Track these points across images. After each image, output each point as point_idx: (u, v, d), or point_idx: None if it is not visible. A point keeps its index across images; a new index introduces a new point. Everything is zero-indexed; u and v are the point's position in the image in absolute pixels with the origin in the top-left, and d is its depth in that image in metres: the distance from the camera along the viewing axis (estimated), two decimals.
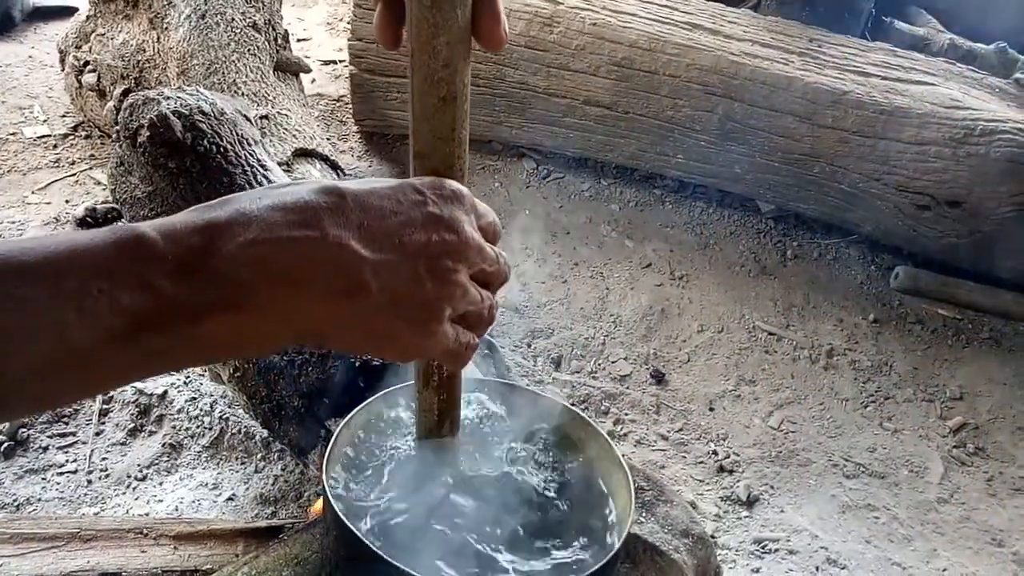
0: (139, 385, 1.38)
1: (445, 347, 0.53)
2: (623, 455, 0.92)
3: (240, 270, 0.43)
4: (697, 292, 1.96)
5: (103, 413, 1.35)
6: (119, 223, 0.44)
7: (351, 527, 0.76)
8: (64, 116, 2.11)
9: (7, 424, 1.28)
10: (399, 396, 0.98)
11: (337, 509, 0.78)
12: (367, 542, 0.75)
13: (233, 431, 1.33)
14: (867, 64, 2.05)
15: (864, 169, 1.95)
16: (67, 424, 1.33)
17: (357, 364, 1.08)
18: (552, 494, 0.91)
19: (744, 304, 1.95)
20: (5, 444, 1.26)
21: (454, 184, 0.53)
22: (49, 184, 1.90)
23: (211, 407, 1.36)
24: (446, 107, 0.62)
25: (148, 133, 1.11)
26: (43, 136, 2.03)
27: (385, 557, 0.74)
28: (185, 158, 1.11)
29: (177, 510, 1.20)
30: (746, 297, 1.98)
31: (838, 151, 1.94)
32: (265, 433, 1.32)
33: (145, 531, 1.10)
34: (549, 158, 2.24)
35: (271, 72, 1.76)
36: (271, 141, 1.58)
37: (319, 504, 0.76)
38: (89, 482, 1.24)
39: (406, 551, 0.80)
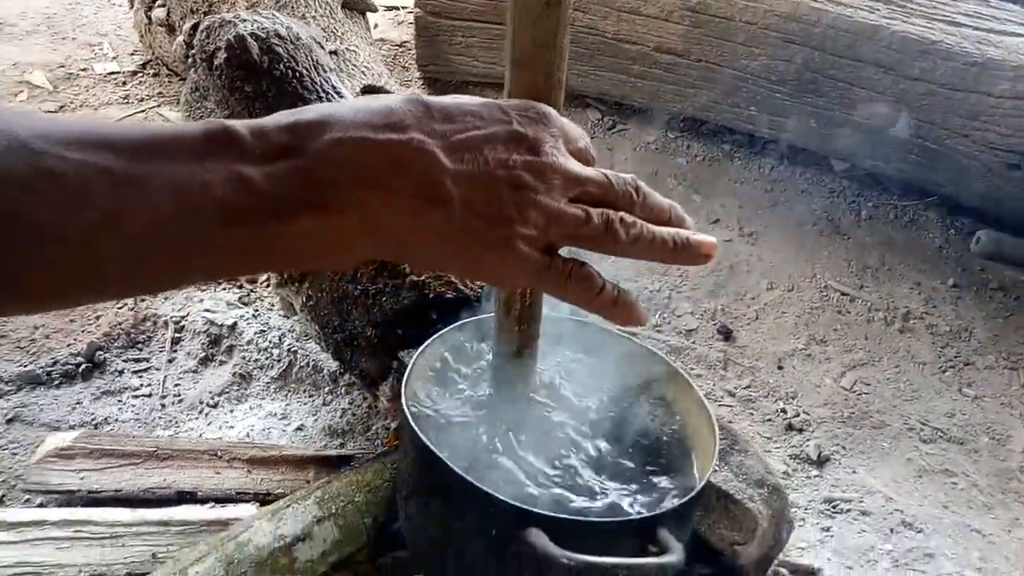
0: (209, 315, 1.39)
1: (529, 272, 0.50)
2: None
3: (326, 168, 0.42)
4: (767, 250, 1.90)
5: (175, 341, 1.37)
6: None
7: (432, 448, 0.75)
8: (133, 54, 2.12)
9: (84, 346, 1.31)
10: (476, 327, 0.97)
11: (416, 430, 0.77)
12: (448, 463, 0.74)
13: (301, 364, 1.33)
14: (957, 13, 1.93)
15: (952, 125, 1.85)
16: (141, 350, 1.35)
17: (431, 296, 1.07)
18: (631, 429, 0.89)
19: (816, 263, 1.89)
20: (83, 366, 1.29)
21: (541, 106, 0.51)
22: (119, 120, 1.92)
23: (280, 340, 1.36)
24: (550, 11, 0.59)
25: (225, 55, 1.10)
26: (112, 73, 2.05)
27: (466, 477, 0.72)
28: (261, 81, 1.10)
29: (248, 437, 1.21)
30: (818, 256, 1.91)
31: (924, 105, 1.84)
32: (333, 367, 1.32)
33: (219, 453, 1.11)
34: (615, 108, 2.19)
35: (339, 8, 1.74)
36: (339, 77, 1.57)
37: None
38: (163, 406, 1.26)
39: (484, 475, 0.78)
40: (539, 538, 0.67)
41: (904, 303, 1.80)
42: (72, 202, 0.36)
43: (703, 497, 0.82)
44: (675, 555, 0.66)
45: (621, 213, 0.51)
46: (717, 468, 1.06)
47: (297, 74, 1.12)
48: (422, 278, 1.07)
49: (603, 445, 0.86)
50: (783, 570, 1.20)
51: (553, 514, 0.71)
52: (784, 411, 1.51)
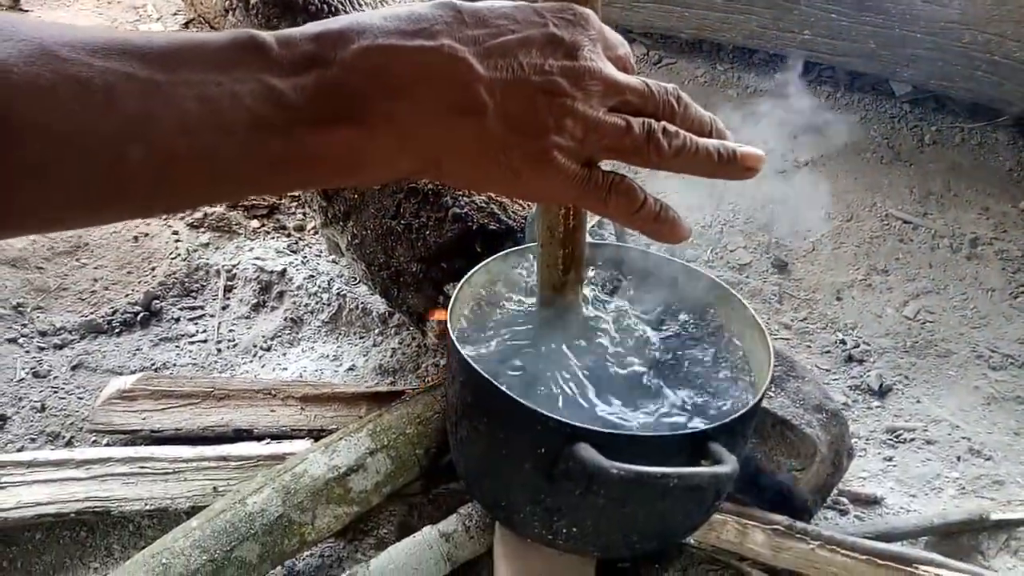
0: (259, 263, 1.41)
1: (569, 185, 0.47)
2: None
3: (355, 78, 0.40)
4: (823, 179, 1.82)
5: (227, 289, 1.39)
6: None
7: (478, 368, 0.74)
8: (176, 14, 2.14)
9: (141, 295, 1.34)
10: (521, 256, 0.96)
11: (462, 352, 0.77)
12: (494, 382, 0.73)
13: (351, 307, 1.34)
14: None
15: None
16: (195, 298, 1.38)
17: (474, 228, 1.06)
18: (683, 350, 0.87)
19: (876, 192, 1.81)
20: (141, 315, 1.32)
21: (579, 8, 0.48)
22: None
23: (328, 285, 1.37)
24: None
25: None
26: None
27: (513, 396, 0.72)
28: (297, 17, 1.09)
29: (301, 377, 1.23)
30: (878, 185, 1.83)
31: (993, 16, 1.73)
32: (382, 309, 1.33)
33: (274, 392, 1.13)
34: (661, 42, 2.11)
35: None
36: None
37: (439, 315, 0.74)
38: (218, 351, 1.29)
39: (532, 396, 0.78)
40: (588, 452, 0.66)
41: (971, 229, 1.72)
42: (98, 109, 0.35)
43: (757, 415, 0.80)
44: (728, 466, 0.65)
45: (663, 123, 0.49)
46: (771, 394, 1.04)
47: (333, 8, 1.11)
48: (464, 211, 1.06)
49: (654, 366, 0.84)
50: (844, 499, 1.18)
51: (602, 429, 0.70)
52: (843, 342, 1.47)
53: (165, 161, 0.37)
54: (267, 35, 0.40)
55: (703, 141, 0.50)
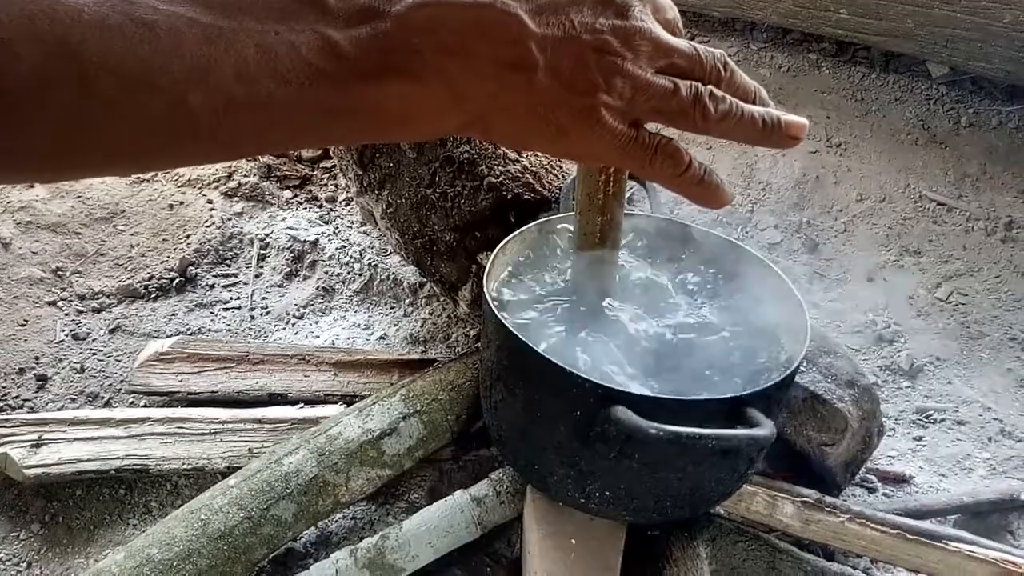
0: (292, 232, 1.43)
1: (616, 145, 0.47)
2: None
3: (410, 32, 0.41)
4: (856, 160, 1.81)
5: (261, 258, 1.41)
6: None
7: (513, 330, 0.75)
8: None
9: (177, 262, 1.36)
10: (555, 225, 0.96)
11: (498, 314, 0.77)
12: (529, 343, 0.74)
13: (382, 277, 1.35)
14: None
15: None
16: (229, 266, 1.40)
17: (509, 197, 1.06)
18: (719, 318, 0.87)
19: (910, 173, 1.78)
20: (177, 280, 1.34)
21: None
22: None
23: (360, 255, 1.38)
24: None
25: None
26: None
27: (549, 358, 0.72)
28: None
29: (333, 345, 1.25)
30: (912, 166, 1.80)
31: None
32: (413, 280, 1.34)
33: (307, 358, 1.14)
34: (693, 20, 2.09)
35: None
36: None
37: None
38: (252, 318, 1.30)
39: (568, 360, 0.78)
40: (626, 414, 0.66)
41: (1007, 212, 1.69)
42: (163, 52, 0.36)
43: (792, 384, 0.80)
44: (766, 429, 0.65)
45: (710, 87, 0.49)
46: (803, 369, 1.04)
47: None
48: (499, 180, 1.06)
49: (688, 335, 0.84)
50: (872, 476, 1.17)
51: (638, 392, 0.70)
52: (874, 323, 1.46)
53: (223, 106, 0.38)
54: None
55: (748, 107, 0.50)
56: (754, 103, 0.52)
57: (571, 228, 0.82)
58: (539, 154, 1.08)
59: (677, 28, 0.51)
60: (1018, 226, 1.66)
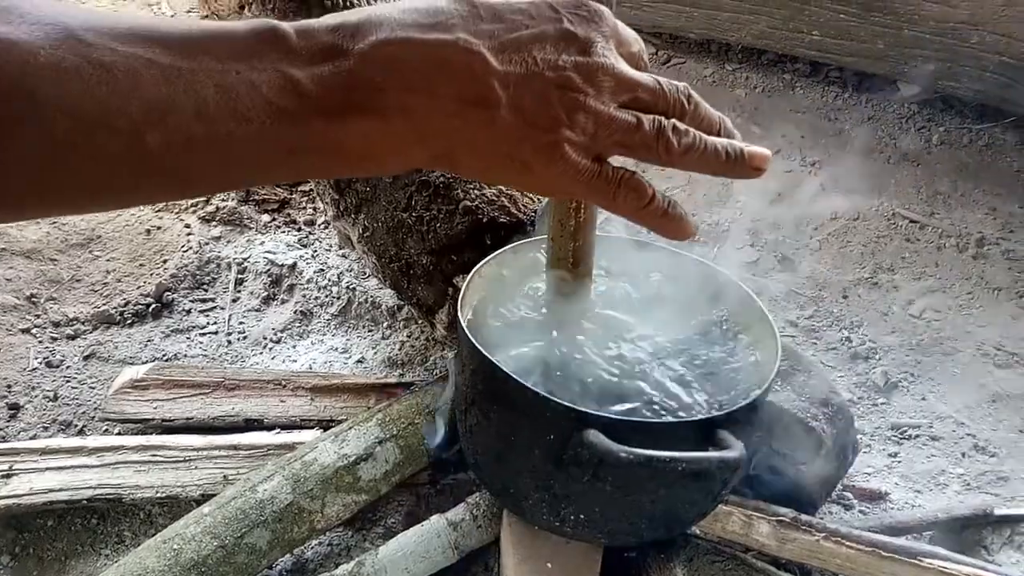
0: (270, 256, 1.42)
1: (579, 179, 0.48)
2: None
3: (372, 69, 0.41)
4: (830, 179, 1.83)
5: (238, 282, 1.40)
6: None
7: (486, 354, 0.75)
8: (190, 11, 2.16)
9: (153, 287, 1.35)
10: (531, 248, 0.97)
11: (472, 339, 0.78)
12: (502, 367, 0.74)
13: (360, 301, 1.35)
14: None
15: None
16: (206, 291, 1.39)
17: (484, 221, 1.07)
18: (690, 340, 0.88)
19: (883, 191, 1.81)
20: (153, 306, 1.33)
21: (593, 4, 0.49)
22: None
23: (338, 278, 1.38)
24: None
25: None
26: None
27: (522, 382, 0.73)
28: (312, 11, 1.10)
29: (311, 369, 1.24)
30: (885, 184, 1.83)
31: (1002, 16, 1.73)
32: (391, 303, 1.34)
33: (284, 383, 1.14)
34: (669, 42, 2.12)
35: None
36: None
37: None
38: (229, 342, 1.30)
39: (540, 384, 0.79)
40: (597, 437, 0.67)
41: (978, 229, 1.72)
42: (121, 93, 0.36)
43: (764, 405, 0.81)
44: (736, 451, 0.66)
45: (673, 120, 0.49)
46: (777, 388, 1.05)
47: (349, 1, 1.12)
48: (475, 203, 1.07)
49: (662, 355, 0.85)
50: (848, 494, 1.18)
51: (611, 415, 0.71)
52: (849, 340, 1.47)
53: (183, 146, 0.38)
54: (287, 25, 0.41)
55: (712, 140, 0.50)
56: (719, 135, 0.52)
57: (545, 252, 0.83)
58: None
59: (642, 61, 0.52)
60: (989, 243, 1.69)
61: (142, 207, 1.51)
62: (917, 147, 1.93)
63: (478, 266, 0.90)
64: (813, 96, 2.05)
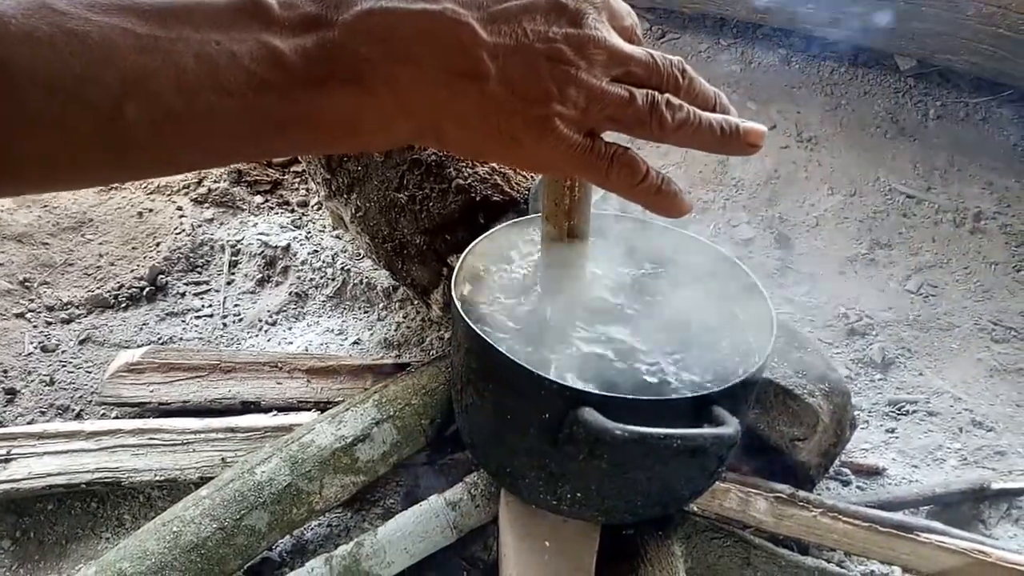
0: (264, 238, 1.42)
1: (571, 155, 0.47)
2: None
3: (357, 40, 0.40)
4: (827, 154, 1.82)
5: (232, 264, 1.40)
6: None
7: (481, 333, 0.75)
8: None
9: (147, 270, 1.34)
10: (525, 226, 0.96)
11: (466, 318, 0.77)
12: (498, 347, 0.74)
13: (355, 282, 1.35)
14: None
15: None
16: (200, 274, 1.38)
17: (478, 199, 1.06)
18: (685, 315, 0.88)
19: (879, 166, 1.80)
20: (147, 289, 1.33)
21: None
22: None
23: (333, 259, 1.38)
24: None
25: None
26: None
27: (517, 360, 0.72)
28: None
29: (307, 351, 1.24)
30: (881, 159, 1.82)
31: None
32: (386, 283, 1.33)
33: (280, 364, 1.14)
34: (664, 17, 2.10)
35: None
36: None
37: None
38: (224, 325, 1.29)
39: (536, 362, 0.78)
40: (592, 415, 0.66)
41: (975, 203, 1.72)
42: (96, 62, 0.35)
43: (760, 381, 0.80)
44: (731, 427, 0.65)
45: (667, 95, 0.48)
46: (774, 364, 1.04)
47: None
48: (468, 182, 1.06)
49: (655, 335, 0.84)
50: (846, 469, 1.19)
51: (606, 393, 0.71)
52: (846, 316, 1.47)
53: (162, 119, 0.37)
54: None
55: (706, 115, 0.49)
56: (714, 110, 0.51)
57: (539, 231, 0.82)
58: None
59: (635, 35, 0.50)
60: (986, 217, 1.69)
61: (133, 190, 1.50)
62: (914, 121, 1.92)
63: (472, 244, 0.89)
64: (809, 71, 2.03)
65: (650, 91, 0.48)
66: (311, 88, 0.40)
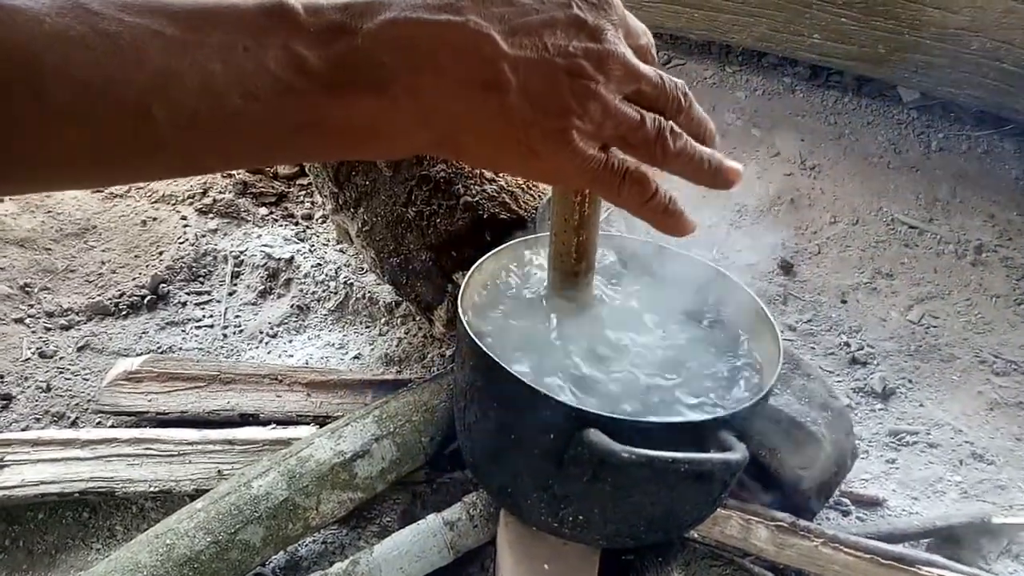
0: (267, 250, 1.41)
1: (586, 168, 0.48)
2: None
3: (380, 49, 0.41)
4: (830, 183, 1.83)
5: (235, 275, 1.39)
6: None
7: (487, 351, 0.75)
8: None
9: (149, 279, 1.34)
10: (532, 245, 0.96)
11: (472, 335, 0.77)
12: (503, 365, 0.73)
13: (357, 296, 1.34)
14: None
15: None
16: (202, 283, 1.38)
17: (485, 217, 1.06)
18: (692, 340, 0.87)
19: (882, 196, 1.81)
20: (148, 298, 1.32)
21: None
22: None
23: (336, 273, 1.37)
24: None
25: None
26: None
27: (523, 379, 0.72)
28: None
29: (307, 364, 1.23)
30: (884, 189, 1.83)
31: (1003, 23, 1.73)
32: (389, 298, 1.33)
33: (280, 377, 1.13)
34: (669, 43, 2.12)
35: None
36: None
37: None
38: (225, 336, 1.29)
39: (541, 383, 0.78)
40: (598, 437, 0.66)
41: (977, 235, 1.72)
42: (126, 63, 0.36)
43: (765, 407, 0.80)
44: (738, 453, 0.65)
45: (671, 123, 0.50)
46: (777, 391, 1.04)
47: None
48: (476, 199, 1.06)
49: (661, 357, 0.84)
50: (846, 499, 1.18)
51: (612, 415, 0.70)
52: (847, 344, 1.47)
53: (188, 120, 0.37)
54: (295, 2, 0.40)
55: (700, 148, 0.51)
56: (705, 139, 0.53)
57: (547, 249, 0.82)
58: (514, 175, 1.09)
59: (650, 54, 0.52)
60: (987, 250, 1.69)
61: (137, 198, 1.50)
62: (917, 153, 1.93)
63: (479, 262, 0.89)
64: (813, 100, 2.05)
65: (657, 116, 0.49)
66: (334, 95, 0.40)
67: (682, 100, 0.51)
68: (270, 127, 0.40)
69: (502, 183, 1.08)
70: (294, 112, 0.40)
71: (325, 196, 1.20)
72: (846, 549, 0.97)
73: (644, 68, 0.49)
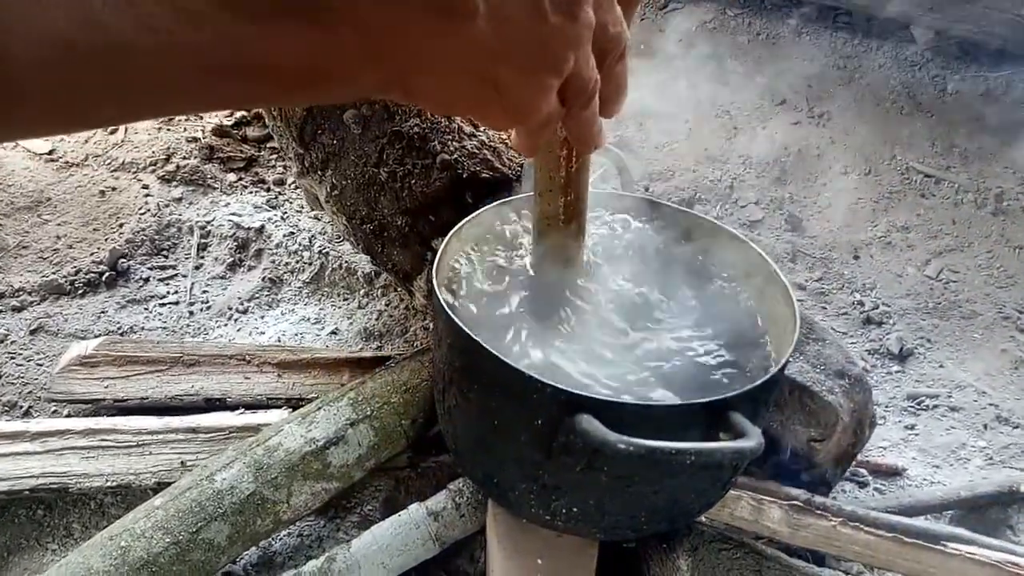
0: (236, 219, 1.31)
1: (554, 113, 0.42)
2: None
3: None
4: (840, 131, 1.72)
5: (201, 247, 1.29)
6: None
7: (466, 330, 0.65)
8: None
9: (107, 254, 1.24)
10: (517, 206, 0.86)
11: (450, 313, 0.68)
12: (484, 345, 0.64)
13: (334, 266, 1.24)
14: None
15: None
16: (166, 257, 1.28)
17: (464, 176, 0.96)
18: (696, 308, 0.78)
19: (895, 144, 1.70)
20: (107, 274, 1.22)
21: None
22: None
23: (310, 242, 1.27)
24: None
25: None
26: None
27: (506, 360, 0.63)
28: None
29: (279, 342, 1.14)
30: (898, 136, 1.72)
31: None
32: (368, 268, 1.23)
33: (248, 358, 1.04)
34: None
35: None
36: None
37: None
38: (191, 313, 1.19)
39: (527, 362, 0.69)
40: (591, 424, 0.57)
41: (996, 183, 1.62)
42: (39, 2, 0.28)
43: (780, 383, 0.71)
44: (752, 440, 0.56)
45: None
46: (793, 358, 0.95)
47: None
48: (454, 157, 0.96)
49: (659, 326, 0.75)
50: (863, 470, 1.10)
51: (607, 398, 0.61)
52: (861, 303, 1.37)
53: (60, 59, 0.29)
54: None
55: (600, 120, 0.49)
56: (620, 95, 0.49)
57: (532, 205, 0.72)
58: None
59: None
60: (1009, 198, 1.59)
61: (95, 166, 1.39)
62: (931, 96, 1.82)
63: (457, 227, 0.80)
64: (821, 43, 1.92)
65: (596, 79, 0.43)
66: (258, 24, 0.31)
67: (623, 48, 0.45)
68: (172, 67, 0.31)
69: (483, 138, 0.98)
70: (203, 48, 0.31)
71: (290, 158, 1.10)
72: (866, 527, 0.89)
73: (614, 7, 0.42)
